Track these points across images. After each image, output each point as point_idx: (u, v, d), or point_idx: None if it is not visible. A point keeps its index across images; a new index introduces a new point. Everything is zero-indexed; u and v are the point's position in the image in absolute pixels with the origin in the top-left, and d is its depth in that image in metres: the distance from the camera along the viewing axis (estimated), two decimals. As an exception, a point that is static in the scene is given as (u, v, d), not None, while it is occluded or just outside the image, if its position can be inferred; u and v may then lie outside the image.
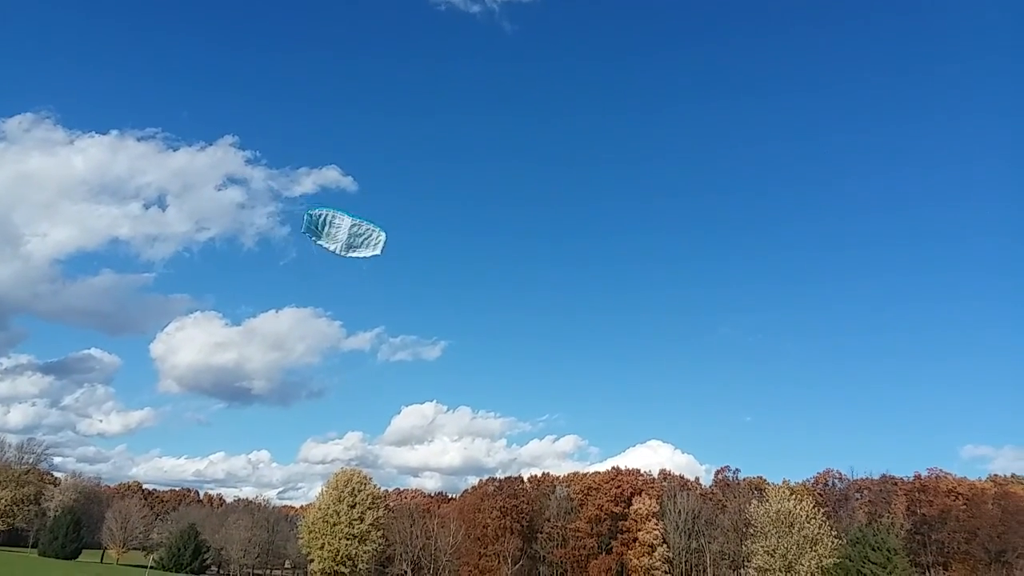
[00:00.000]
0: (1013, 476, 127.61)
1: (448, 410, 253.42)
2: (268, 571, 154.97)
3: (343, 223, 28.77)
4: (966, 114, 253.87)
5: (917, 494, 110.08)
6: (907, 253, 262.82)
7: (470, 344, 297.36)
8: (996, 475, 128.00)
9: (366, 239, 29.14)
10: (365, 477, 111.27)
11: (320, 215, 28.67)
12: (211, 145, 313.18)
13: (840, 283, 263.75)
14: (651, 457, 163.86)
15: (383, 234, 28.69)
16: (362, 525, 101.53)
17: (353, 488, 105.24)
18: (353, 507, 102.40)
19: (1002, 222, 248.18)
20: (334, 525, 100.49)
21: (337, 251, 29.08)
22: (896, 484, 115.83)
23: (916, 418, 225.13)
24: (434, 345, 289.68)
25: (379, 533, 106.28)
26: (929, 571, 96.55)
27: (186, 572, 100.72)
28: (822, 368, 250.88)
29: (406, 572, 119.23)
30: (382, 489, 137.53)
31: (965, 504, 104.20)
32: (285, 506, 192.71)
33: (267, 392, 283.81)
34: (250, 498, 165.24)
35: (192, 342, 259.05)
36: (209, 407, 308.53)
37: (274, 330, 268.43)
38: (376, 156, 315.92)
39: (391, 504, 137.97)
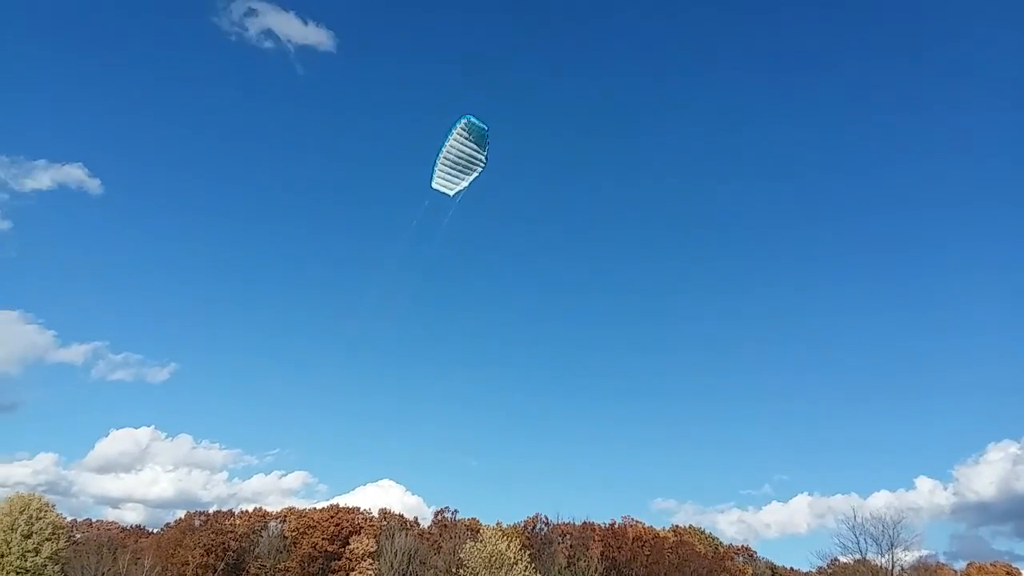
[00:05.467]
0: (691, 527, 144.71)
1: (167, 437, 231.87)
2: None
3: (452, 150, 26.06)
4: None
5: (611, 539, 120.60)
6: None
7: (202, 368, 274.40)
8: (677, 526, 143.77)
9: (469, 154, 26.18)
10: (46, 504, 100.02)
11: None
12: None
13: (552, 353, 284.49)
14: (381, 497, 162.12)
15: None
16: (37, 558, 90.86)
17: (31, 515, 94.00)
18: (28, 537, 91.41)
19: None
20: (2, 556, 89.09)
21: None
22: (594, 530, 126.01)
23: (616, 473, 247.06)
24: (162, 368, 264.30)
25: (57, 567, 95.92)
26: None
27: None
28: (538, 421, 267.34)
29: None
30: (69, 519, 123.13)
31: (649, 551, 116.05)
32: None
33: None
34: None
35: None
36: None
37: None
38: (125, 156, 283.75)
39: (77, 536, 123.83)
